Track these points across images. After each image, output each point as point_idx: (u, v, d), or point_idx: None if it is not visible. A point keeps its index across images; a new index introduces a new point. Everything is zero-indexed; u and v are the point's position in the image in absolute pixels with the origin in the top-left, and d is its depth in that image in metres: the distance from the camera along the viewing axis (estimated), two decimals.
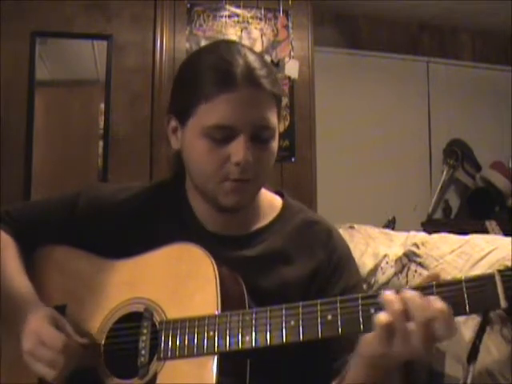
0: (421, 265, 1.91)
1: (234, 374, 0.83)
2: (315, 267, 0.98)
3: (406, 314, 0.70)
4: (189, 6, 2.92)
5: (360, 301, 0.75)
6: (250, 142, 0.90)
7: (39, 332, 0.88)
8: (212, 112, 0.89)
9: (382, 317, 0.71)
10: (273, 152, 0.95)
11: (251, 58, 0.92)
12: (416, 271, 1.93)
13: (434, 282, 0.72)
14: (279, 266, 0.97)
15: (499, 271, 0.69)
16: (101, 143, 2.83)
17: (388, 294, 0.72)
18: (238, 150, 0.89)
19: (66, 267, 1.02)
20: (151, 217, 1.03)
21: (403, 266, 1.99)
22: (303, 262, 0.98)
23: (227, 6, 2.94)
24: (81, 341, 0.90)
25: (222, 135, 0.90)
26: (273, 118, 0.93)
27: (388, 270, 2.10)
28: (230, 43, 0.99)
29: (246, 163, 0.90)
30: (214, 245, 0.93)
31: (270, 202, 1.05)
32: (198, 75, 0.92)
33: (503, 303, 0.67)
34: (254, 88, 0.90)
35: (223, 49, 0.94)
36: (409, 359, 0.72)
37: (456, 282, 0.71)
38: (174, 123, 0.98)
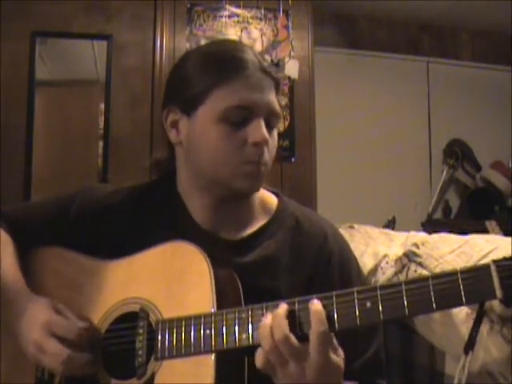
0: (421, 265, 1.91)
1: (231, 372, 0.83)
2: (312, 272, 0.97)
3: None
4: (189, 5, 2.92)
5: (356, 295, 0.75)
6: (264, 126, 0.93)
7: (48, 321, 0.88)
8: (230, 94, 0.91)
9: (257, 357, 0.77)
10: (276, 140, 0.98)
11: (252, 51, 0.97)
12: (416, 271, 1.93)
13: (430, 275, 0.72)
14: (274, 273, 0.96)
15: (494, 261, 0.69)
16: (101, 143, 2.83)
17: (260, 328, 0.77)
18: (256, 130, 0.91)
19: (61, 269, 1.02)
20: (145, 217, 1.02)
21: (403, 266, 1.99)
22: (299, 267, 0.97)
23: (227, 6, 2.94)
24: (83, 325, 0.90)
25: (239, 117, 0.91)
26: (278, 106, 0.96)
27: (388, 270, 2.10)
28: (232, 40, 1.04)
29: (265, 143, 0.92)
30: (209, 244, 0.92)
31: (265, 201, 1.04)
32: (208, 62, 0.94)
33: (499, 293, 0.68)
34: (264, 75, 0.94)
35: (229, 41, 1.01)
36: None
37: (452, 274, 0.71)
38: (174, 116, 0.97)
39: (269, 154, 0.94)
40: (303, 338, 0.75)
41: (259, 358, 0.76)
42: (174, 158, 1.03)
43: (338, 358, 0.77)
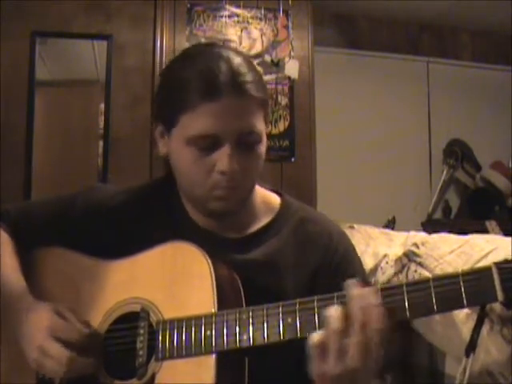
0: (421, 265, 1.92)
1: (232, 373, 0.83)
2: (316, 270, 0.96)
3: (343, 331, 0.71)
4: (189, 5, 2.92)
5: None
6: (236, 150, 0.89)
7: (50, 325, 0.88)
8: (195, 122, 0.88)
9: (313, 336, 0.72)
10: (260, 156, 0.94)
11: (236, 61, 0.90)
12: (416, 271, 1.93)
13: (431, 276, 0.72)
14: (277, 270, 0.96)
15: (496, 264, 0.69)
16: (101, 143, 2.83)
17: (330, 309, 0.73)
18: (222, 159, 0.88)
19: (62, 269, 1.02)
20: (147, 218, 1.02)
21: (403, 266, 2.00)
22: (303, 265, 0.97)
23: (227, 6, 2.94)
24: (85, 328, 0.90)
25: (206, 144, 0.89)
26: (259, 124, 0.91)
27: (388, 270, 2.10)
28: (214, 47, 0.95)
29: (232, 172, 0.89)
30: (210, 244, 0.92)
31: (267, 201, 1.04)
32: (179, 84, 0.90)
33: (500, 296, 0.68)
34: (238, 95, 0.87)
35: (207, 54, 0.91)
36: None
37: (453, 276, 0.71)
38: (160, 128, 0.97)
39: (243, 177, 0.92)
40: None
41: (317, 337, 0.72)
42: None
43: None
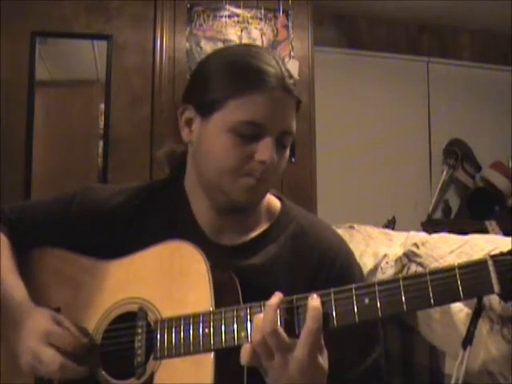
0: (421, 265, 1.91)
1: (231, 371, 0.82)
2: (314, 277, 0.96)
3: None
4: (189, 6, 2.92)
5: (354, 291, 0.75)
6: (275, 145, 0.91)
7: (46, 331, 0.88)
8: (244, 108, 0.89)
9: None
10: (287, 158, 0.97)
11: (283, 66, 0.93)
12: (416, 271, 1.93)
13: (428, 270, 0.72)
14: (275, 277, 0.96)
15: (492, 256, 0.69)
16: (101, 143, 2.83)
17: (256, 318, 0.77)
18: (265, 149, 0.89)
19: (60, 269, 1.02)
20: (147, 218, 1.02)
21: (403, 266, 1.99)
22: (300, 272, 0.97)
23: (227, 6, 2.95)
24: (83, 340, 0.90)
25: (250, 132, 0.89)
26: (295, 126, 0.95)
27: (388, 270, 2.10)
28: (259, 47, 1.00)
29: (271, 163, 0.90)
30: (209, 248, 0.92)
31: (268, 205, 1.03)
32: (231, 69, 0.91)
33: (496, 288, 0.68)
34: (286, 93, 0.91)
35: (256, 50, 0.95)
36: None
37: (449, 269, 0.71)
38: (189, 114, 0.96)
39: (274, 172, 0.93)
40: (294, 332, 0.75)
41: (246, 350, 0.76)
42: (187, 151, 1.02)
43: (323, 358, 0.77)
